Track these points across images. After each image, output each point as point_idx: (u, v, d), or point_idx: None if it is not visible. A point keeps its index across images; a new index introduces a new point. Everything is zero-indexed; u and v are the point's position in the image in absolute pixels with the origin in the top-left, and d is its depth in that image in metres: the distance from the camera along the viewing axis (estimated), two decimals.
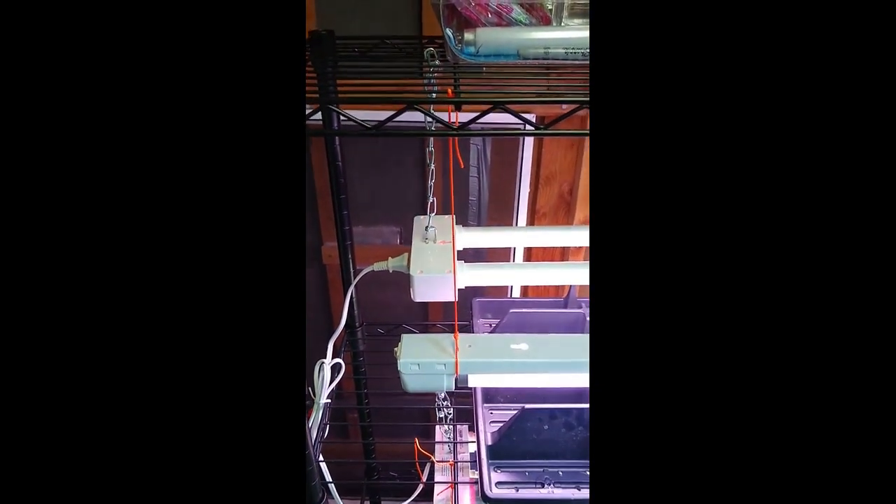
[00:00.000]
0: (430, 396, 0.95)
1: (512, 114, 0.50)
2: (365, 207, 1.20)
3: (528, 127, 0.50)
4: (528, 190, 1.18)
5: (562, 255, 1.20)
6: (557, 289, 1.22)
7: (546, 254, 1.20)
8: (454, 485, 0.81)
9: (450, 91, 0.51)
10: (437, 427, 0.93)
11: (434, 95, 0.59)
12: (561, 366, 0.64)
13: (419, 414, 1.21)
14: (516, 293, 1.24)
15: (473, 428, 0.79)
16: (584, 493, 0.72)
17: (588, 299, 0.91)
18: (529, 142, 1.14)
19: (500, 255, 1.21)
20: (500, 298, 0.96)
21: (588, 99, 0.50)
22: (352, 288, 0.80)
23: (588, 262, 0.77)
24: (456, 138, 0.60)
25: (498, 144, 1.17)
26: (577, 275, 0.75)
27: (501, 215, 1.22)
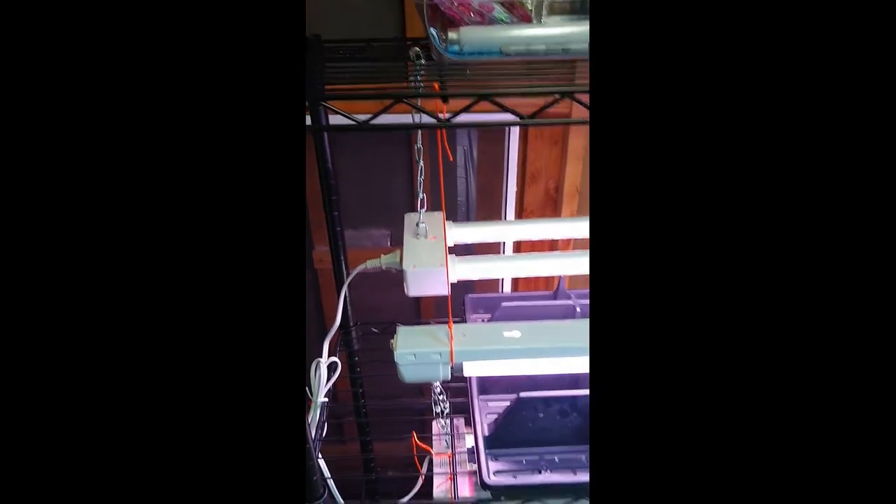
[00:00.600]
0: (427, 394, 0.97)
1: (498, 105, 0.52)
2: (354, 211, 1.21)
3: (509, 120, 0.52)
4: (514, 189, 1.20)
5: (550, 250, 1.22)
6: (547, 284, 1.24)
7: (534, 250, 1.22)
8: (453, 476, 0.83)
9: (436, 86, 0.53)
10: (434, 422, 0.95)
11: (421, 91, 0.61)
12: (553, 350, 0.66)
13: (415, 411, 1.22)
14: (507, 289, 1.26)
15: (470, 420, 0.81)
16: (580, 477, 0.74)
17: (577, 291, 0.93)
18: (514, 141, 1.16)
19: (490, 254, 1.23)
20: (491, 294, 0.98)
21: (568, 90, 0.53)
22: (345, 287, 0.81)
23: (578, 251, 0.79)
24: (444, 132, 0.62)
25: (484, 144, 1.19)
26: (568, 265, 0.77)
27: (490, 215, 1.24)
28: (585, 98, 0.54)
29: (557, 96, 0.52)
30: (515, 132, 1.15)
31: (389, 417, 1.17)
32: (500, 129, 1.15)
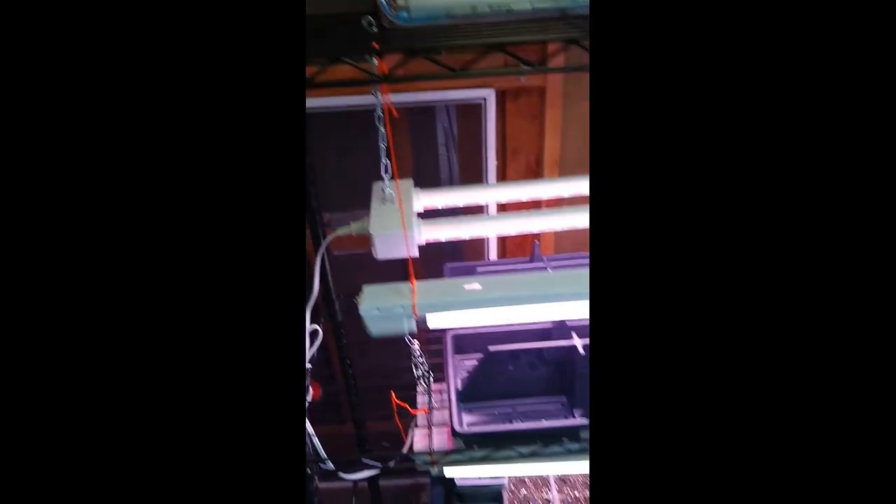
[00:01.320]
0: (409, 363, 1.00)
1: (432, 61, 0.56)
2: (338, 194, 1.25)
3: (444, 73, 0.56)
4: (495, 163, 1.23)
5: None
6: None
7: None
8: (430, 429, 0.86)
9: (375, 45, 0.57)
10: (418, 385, 0.98)
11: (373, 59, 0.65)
12: (507, 299, 0.69)
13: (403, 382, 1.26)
14: (494, 257, 1.29)
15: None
16: (548, 424, 0.77)
17: (550, 256, 0.96)
18: (492, 117, 1.19)
19: None
20: (470, 262, 1.01)
21: (497, 41, 0.57)
22: (322, 248, 0.85)
23: (544, 210, 0.81)
24: (386, 91, 0.66)
25: (463, 122, 1.22)
26: (535, 223, 0.79)
27: None
28: (519, 50, 0.58)
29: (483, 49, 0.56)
30: (492, 109, 1.18)
31: (376, 389, 1.21)
32: (476, 105, 1.18)
